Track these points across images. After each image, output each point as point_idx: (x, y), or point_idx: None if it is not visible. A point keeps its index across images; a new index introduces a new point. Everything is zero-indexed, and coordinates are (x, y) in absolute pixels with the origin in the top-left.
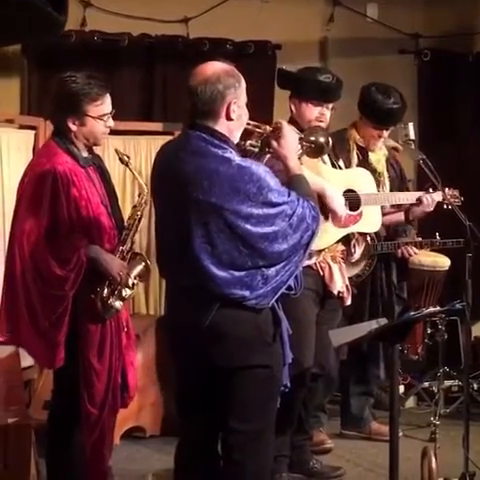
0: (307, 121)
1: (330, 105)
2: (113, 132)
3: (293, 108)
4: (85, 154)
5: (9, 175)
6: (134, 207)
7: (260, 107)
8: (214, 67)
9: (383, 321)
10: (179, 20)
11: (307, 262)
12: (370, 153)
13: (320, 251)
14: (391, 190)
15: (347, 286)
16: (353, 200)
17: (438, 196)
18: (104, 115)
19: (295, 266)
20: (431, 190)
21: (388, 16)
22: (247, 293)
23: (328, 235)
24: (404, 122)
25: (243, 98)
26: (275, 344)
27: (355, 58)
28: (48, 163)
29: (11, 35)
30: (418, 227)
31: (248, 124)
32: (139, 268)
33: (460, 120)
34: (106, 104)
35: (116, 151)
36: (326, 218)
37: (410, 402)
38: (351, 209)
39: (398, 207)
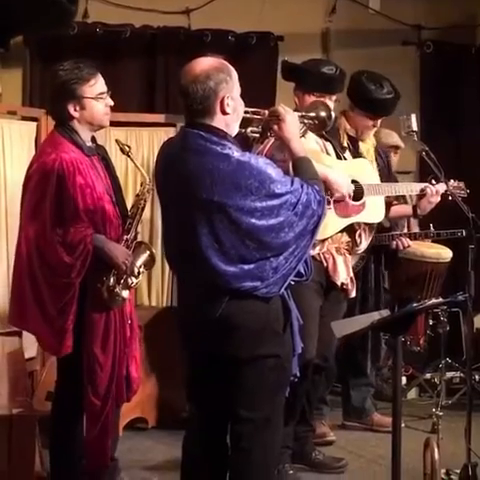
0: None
1: (334, 97)
2: (115, 124)
3: (297, 100)
4: (89, 143)
5: (12, 166)
6: (137, 196)
7: (262, 98)
8: (202, 64)
9: (385, 312)
10: (181, 11)
11: (310, 252)
12: (360, 143)
13: (323, 241)
14: (380, 180)
15: (351, 278)
16: (356, 190)
17: (442, 187)
18: (101, 94)
19: (303, 252)
20: (434, 182)
21: (390, 7)
22: (258, 283)
23: (330, 225)
24: (406, 113)
25: (236, 90)
26: (285, 334)
27: (357, 49)
28: (53, 152)
29: (24, 25)
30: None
31: (246, 112)
32: (144, 257)
33: (463, 111)
34: (100, 83)
35: (117, 141)
36: (328, 204)
37: (412, 393)
38: (354, 200)
39: (402, 198)
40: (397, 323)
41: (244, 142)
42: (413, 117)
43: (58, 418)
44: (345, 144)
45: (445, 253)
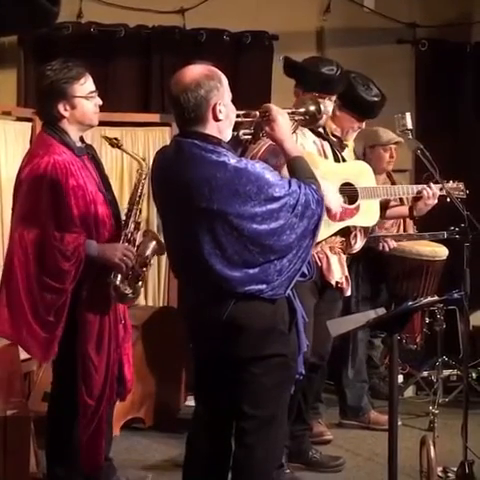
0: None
1: (333, 97)
2: (110, 123)
3: (295, 97)
4: (79, 143)
5: (6, 167)
6: (134, 186)
7: (257, 97)
8: (192, 73)
9: (381, 311)
10: (176, 11)
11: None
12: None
13: (317, 243)
14: None
15: (346, 277)
16: (350, 194)
17: (439, 189)
18: (91, 92)
19: (306, 252)
20: (432, 183)
21: (385, 6)
22: (263, 286)
23: (323, 228)
24: (401, 112)
25: (227, 96)
26: (291, 333)
27: (352, 48)
28: (45, 155)
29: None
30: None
31: (237, 116)
32: (152, 245)
33: (458, 110)
34: (89, 82)
35: (104, 137)
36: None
37: (409, 391)
38: (349, 202)
39: (399, 199)
40: (393, 321)
41: (237, 145)
42: (408, 115)
43: (54, 419)
44: None
45: (441, 251)
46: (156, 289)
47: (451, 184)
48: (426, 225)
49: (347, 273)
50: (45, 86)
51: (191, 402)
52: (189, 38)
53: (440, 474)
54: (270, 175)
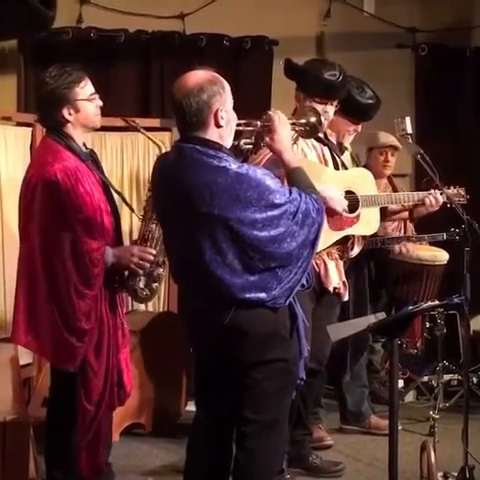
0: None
1: (335, 102)
2: (111, 128)
3: (297, 102)
4: (84, 149)
5: (7, 172)
6: (149, 189)
7: (257, 102)
8: (195, 78)
9: (381, 315)
10: (175, 16)
11: None
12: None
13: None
14: None
15: (344, 282)
16: (351, 202)
17: (442, 197)
18: (92, 94)
19: (307, 262)
20: (434, 191)
21: (385, 10)
22: (263, 295)
23: (322, 238)
24: (401, 116)
25: (229, 103)
26: (292, 338)
27: (352, 53)
28: (55, 161)
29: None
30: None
31: (238, 125)
32: None
33: (458, 114)
34: (89, 85)
35: (124, 120)
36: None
37: (409, 396)
38: (350, 211)
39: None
40: (394, 326)
41: (238, 154)
42: (407, 120)
43: (52, 423)
44: None
45: (441, 255)
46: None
47: (452, 190)
48: (426, 227)
49: (345, 278)
50: (46, 93)
51: (191, 407)
52: (189, 43)
53: (441, 479)
54: (271, 182)
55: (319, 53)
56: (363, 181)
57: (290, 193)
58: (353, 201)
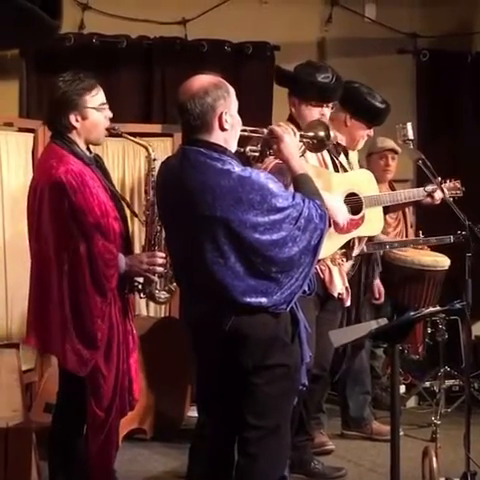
0: (308, 122)
1: (330, 104)
2: (112, 134)
3: (293, 108)
4: (88, 153)
5: (8, 178)
6: (146, 176)
7: (259, 108)
8: (200, 81)
9: (383, 321)
10: (177, 22)
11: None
12: (350, 152)
13: (321, 259)
14: None
15: (347, 288)
16: (355, 204)
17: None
18: (102, 104)
19: (309, 268)
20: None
21: (386, 16)
22: (264, 300)
23: (330, 242)
24: (403, 122)
25: (234, 107)
26: (294, 344)
27: (354, 58)
28: (60, 165)
29: (4, 40)
30: (418, 223)
31: (244, 131)
32: None
33: (459, 120)
34: (101, 94)
35: (107, 129)
36: (329, 225)
37: (411, 402)
38: (354, 213)
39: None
40: (395, 331)
41: (243, 161)
42: (409, 125)
43: (59, 429)
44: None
45: (442, 261)
46: None
47: (448, 183)
48: (431, 230)
49: (347, 284)
50: (57, 97)
51: (193, 413)
52: (191, 49)
53: None
54: (274, 186)
55: (320, 58)
56: (365, 182)
57: (293, 198)
58: (357, 203)
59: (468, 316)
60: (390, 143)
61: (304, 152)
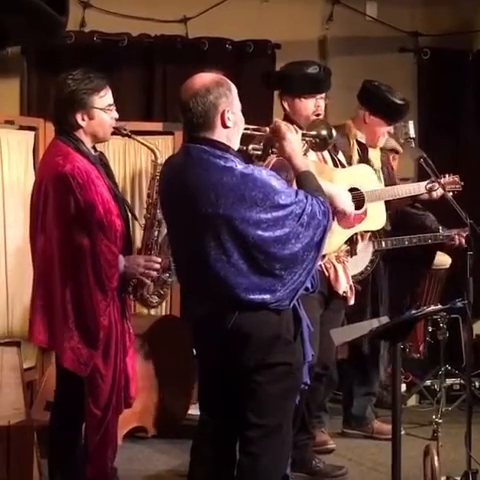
0: (304, 116)
1: (323, 95)
2: (113, 133)
3: (286, 106)
4: (93, 152)
5: (9, 176)
6: (150, 181)
7: (259, 106)
8: (202, 79)
9: (385, 319)
10: (178, 20)
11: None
12: (370, 150)
13: (325, 255)
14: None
15: (351, 286)
16: (357, 198)
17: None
18: (109, 105)
19: (312, 264)
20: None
21: (388, 14)
22: (267, 297)
23: (335, 238)
24: (404, 120)
25: (236, 105)
26: (296, 342)
27: (355, 57)
28: (66, 162)
29: (11, 37)
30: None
31: (247, 129)
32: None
33: (460, 118)
34: (109, 95)
35: (114, 128)
36: (332, 219)
37: (412, 400)
38: (356, 208)
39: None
40: (396, 330)
41: (246, 159)
42: (411, 124)
43: (58, 428)
44: (355, 151)
45: (443, 259)
46: None
47: (447, 178)
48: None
49: (351, 282)
50: (65, 94)
51: (195, 411)
52: (191, 47)
53: None
54: (276, 182)
55: (322, 57)
56: (365, 176)
57: (296, 194)
58: (359, 197)
59: (469, 315)
60: (392, 143)
61: (307, 151)
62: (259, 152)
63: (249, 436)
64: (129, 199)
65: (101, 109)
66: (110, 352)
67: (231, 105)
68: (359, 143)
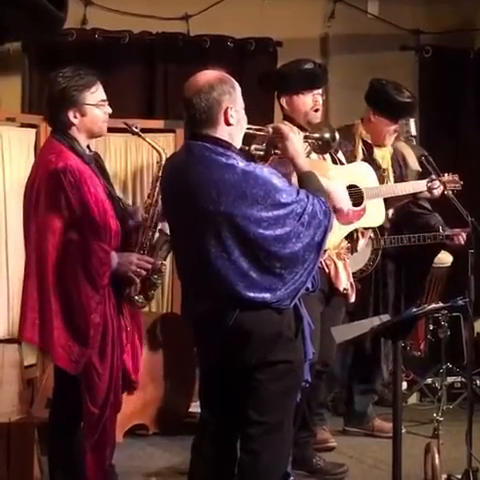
0: (303, 112)
1: (321, 91)
2: (114, 130)
3: (285, 105)
4: (87, 151)
5: (11, 173)
6: (152, 182)
7: (261, 104)
8: (206, 76)
9: (385, 317)
10: (180, 17)
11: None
12: (375, 149)
13: (325, 250)
14: None
15: (351, 283)
16: (356, 195)
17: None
18: (102, 101)
19: (313, 264)
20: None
21: (389, 12)
22: (268, 295)
23: (334, 234)
24: (406, 118)
25: (240, 103)
26: (297, 340)
27: (356, 55)
28: (59, 160)
29: (10, 33)
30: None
31: (249, 129)
32: (165, 247)
33: (462, 116)
34: (100, 91)
35: (125, 123)
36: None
37: (413, 398)
38: (354, 205)
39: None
40: (397, 328)
41: (248, 159)
42: (412, 122)
43: (56, 425)
44: (360, 149)
45: (445, 258)
46: (159, 295)
47: (447, 177)
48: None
49: (352, 279)
50: (56, 93)
51: (196, 408)
52: (193, 44)
53: None
54: (278, 181)
55: (323, 55)
56: (364, 174)
57: (297, 193)
58: (358, 194)
59: (470, 313)
60: (401, 144)
61: (309, 153)
62: (261, 152)
63: (250, 433)
64: (130, 196)
65: (93, 105)
66: (106, 350)
67: (234, 103)
68: (365, 142)
